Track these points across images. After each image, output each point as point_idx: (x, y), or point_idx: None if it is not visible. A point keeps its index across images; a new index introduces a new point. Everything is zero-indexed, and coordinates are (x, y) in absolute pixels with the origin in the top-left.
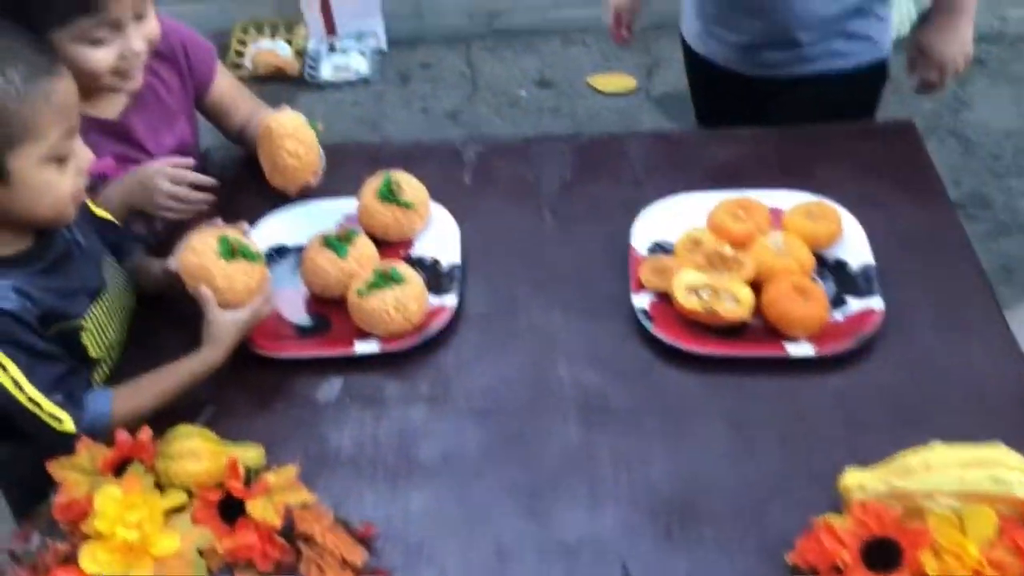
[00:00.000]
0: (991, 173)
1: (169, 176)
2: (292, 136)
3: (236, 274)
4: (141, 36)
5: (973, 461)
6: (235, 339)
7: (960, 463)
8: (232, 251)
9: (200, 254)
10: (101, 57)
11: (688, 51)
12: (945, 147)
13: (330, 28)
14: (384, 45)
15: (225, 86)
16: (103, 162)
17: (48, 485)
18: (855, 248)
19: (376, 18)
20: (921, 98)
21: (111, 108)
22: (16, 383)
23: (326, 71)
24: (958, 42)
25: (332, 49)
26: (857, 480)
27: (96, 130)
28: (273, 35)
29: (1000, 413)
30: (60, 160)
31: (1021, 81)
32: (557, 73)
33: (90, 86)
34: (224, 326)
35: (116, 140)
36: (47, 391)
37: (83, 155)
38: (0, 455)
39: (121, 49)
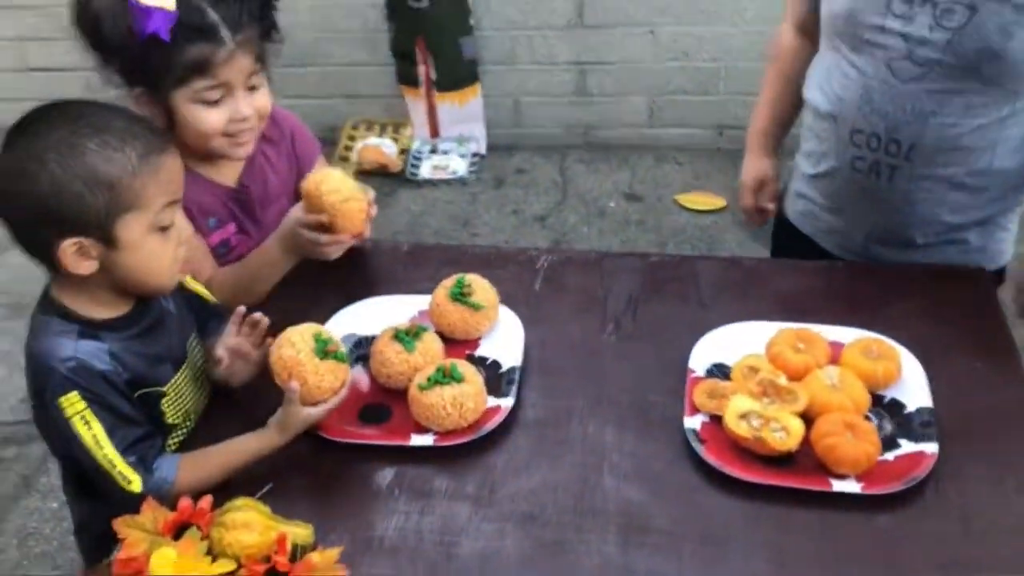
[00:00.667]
0: None
1: (300, 223)
2: (322, 180)
3: (326, 373)
4: (251, 104)
5: None
6: (302, 430)
7: None
8: (326, 351)
9: (298, 349)
10: (212, 118)
11: (784, 223)
12: None
13: (434, 131)
14: (483, 149)
15: None
16: (227, 228)
17: (116, 543)
18: (914, 390)
19: (478, 124)
20: None
21: (229, 174)
22: (97, 440)
23: (426, 170)
24: None
25: (434, 150)
26: None
27: (221, 195)
28: (381, 133)
29: None
30: (163, 229)
31: None
32: (647, 188)
33: (203, 148)
34: (300, 418)
35: (236, 206)
36: (123, 452)
37: (184, 227)
38: (80, 513)
39: (231, 113)
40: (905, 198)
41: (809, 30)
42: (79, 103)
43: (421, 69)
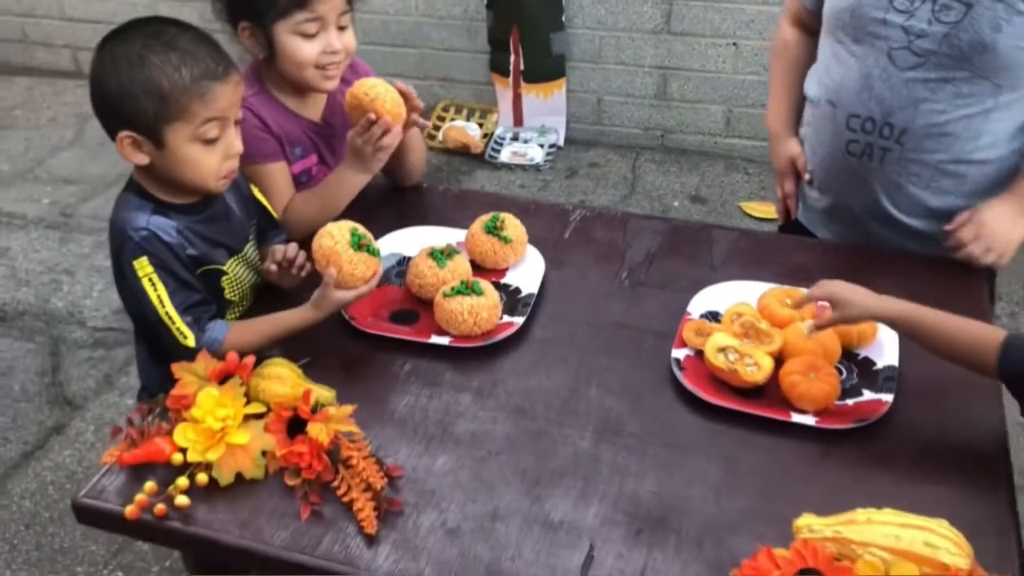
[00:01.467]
0: None
1: (355, 134)
2: (356, 87)
3: (359, 263)
4: (340, 40)
5: (912, 525)
6: (335, 311)
7: (900, 523)
8: (360, 244)
9: (335, 240)
10: (308, 49)
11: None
12: None
13: (518, 120)
14: (561, 141)
15: None
16: (310, 159)
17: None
18: (885, 351)
19: (560, 117)
20: None
21: (314, 111)
22: (160, 300)
23: (505, 155)
24: (1007, 235)
25: (515, 138)
26: (807, 522)
27: (307, 128)
28: (469, 117)
29: (970, 516)
30: (206, 142)
31: None
32: (713, 192)
33: (298, 78)
34: (334, 301)
35: (320, 139)
36: (181, 312)
37: (234, 145)
38: (147, 378)
39: (324, 46)
40: (894, 180)
41: (806, 23)
42: (164, 22)
43: (512, 59)
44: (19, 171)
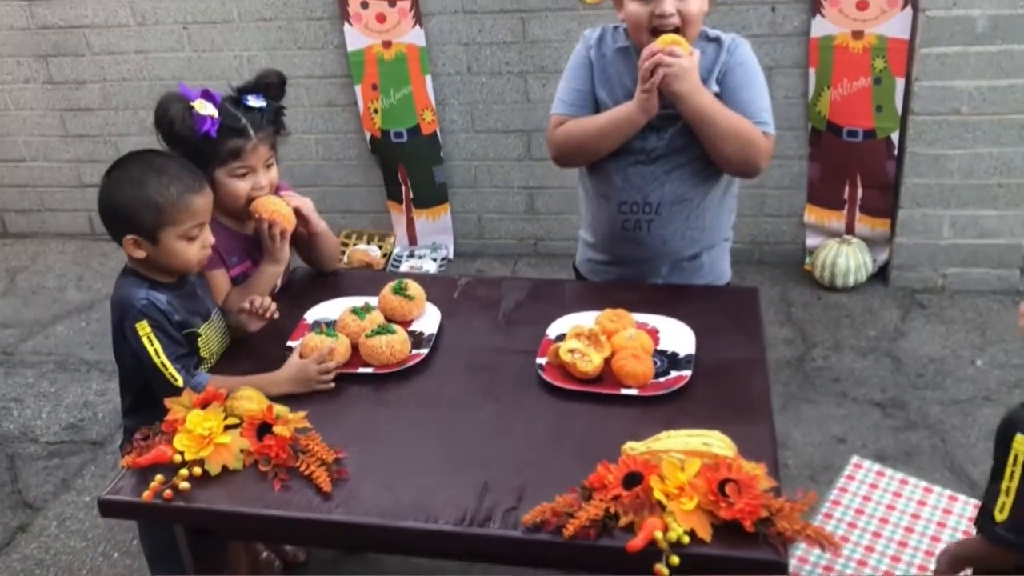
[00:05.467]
0: (912, 386)
1: (264, 235)
2: (255, 204)
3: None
4: (266, 177)
5: (696, 435)
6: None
7: (688, 435)
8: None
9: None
10: (241, 187)
11: (577, 273)
12: (880, 364)
13: (412, 239)
14: (451, 255)
15: None
16: (245, 264)
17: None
18: (685, 346)
19: (448, 235)
20: (869, 326)
21: (247, 227)
22: (157, 353)
23: (403, 269)
24: (681, 83)
25: (411, 255)
26: (630, 445)
27: (241, 242)
28: (369, 241)
29: (743, 437)
30: (190, 239)
31: (952, 323)
32: None
33: (233, 207)
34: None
35: (252, 249)
36: (172, 361)
37: (208, 238)
38: (128, 424)
39: (253, 183)
40: (659, 240)
41: None
42: (154, 153)
43: (402, 189)
44: None
